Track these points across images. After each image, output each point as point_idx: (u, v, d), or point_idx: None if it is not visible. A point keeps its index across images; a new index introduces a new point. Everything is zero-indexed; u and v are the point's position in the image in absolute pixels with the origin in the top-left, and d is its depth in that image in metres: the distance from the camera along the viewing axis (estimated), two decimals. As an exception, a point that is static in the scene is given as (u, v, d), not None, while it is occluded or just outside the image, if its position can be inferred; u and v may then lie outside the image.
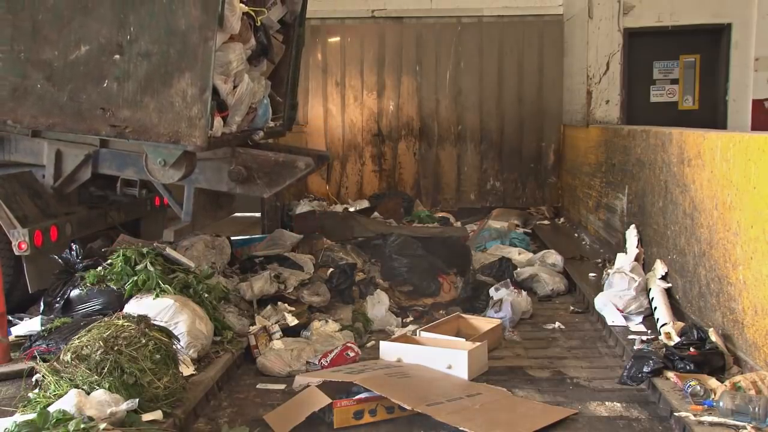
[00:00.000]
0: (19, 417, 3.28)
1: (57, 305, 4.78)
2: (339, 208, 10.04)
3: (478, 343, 4.66)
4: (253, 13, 5.47)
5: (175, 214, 6.42)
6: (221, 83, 5.12)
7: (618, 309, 5.31)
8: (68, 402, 3.27)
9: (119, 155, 5.65)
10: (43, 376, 3.62)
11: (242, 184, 5.63)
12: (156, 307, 4.38)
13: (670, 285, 5.26)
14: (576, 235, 8.83)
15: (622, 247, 6.25)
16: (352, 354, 4.76)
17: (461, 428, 3.63)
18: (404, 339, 4.95)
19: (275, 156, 5.71)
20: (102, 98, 4.61)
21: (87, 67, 4.56)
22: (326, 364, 4.66)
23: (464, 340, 4.83)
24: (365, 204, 10.18)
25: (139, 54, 4.57)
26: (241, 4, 5.23)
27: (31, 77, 4.51)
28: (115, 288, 4.67)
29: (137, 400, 3.39)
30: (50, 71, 4.54)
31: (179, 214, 6.18)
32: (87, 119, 4.66)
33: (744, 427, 3.36)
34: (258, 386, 4.50)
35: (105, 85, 4.57)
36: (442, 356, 4.52)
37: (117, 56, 4.55)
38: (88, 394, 3.37)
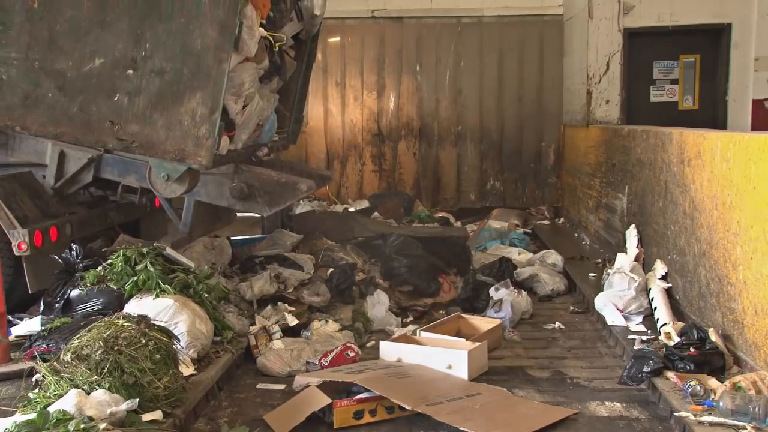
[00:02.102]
0: (19, 417, 3.28)
1: (57, 305, 4.78)
2: (339, 208, 10.04)
3: (478, 343, 4.66)
4: (271, 39, 5.45)
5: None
6: (232, 103, 5.12)
7: (618, 309, 5.31)
8: (68, 402, 3.27)
9: (122, 162, 5.66)
10: (43, 376, 3.63)
11: (243, 201, 5.65)
12: (156, 307, 4.39)
13: (670, 285, 5.26)
14: (576, 235, 8.83)
15: (622, 247, 6.25)
16: (352, 354, 4.76)
17: (461, 428, 3.63)
18: (404, 339, 4.95)
19: (278, 176, 5.72)
20: (112, 111, 4.62)
21: (99, 80, 4.57)
22: (326, 364, 4.66)
23: (464, 340, 4.82)
24: (365, 204, 10.17)
25: (152, 71, 4.58)
26: (261, 29, 5.22)
27: (44, 86, 4.52)
28: (115, 288, 4.67)
29: (137, 400, 3.39)
30: (63, 81, 4.54)
31: (177, 225, 6.21)
32: (95, 131, 4.67)
33: (744, 427, 3.36)
34: (258, 386, 4.50)
35: (116, 98, 4.58)
36: (442, 356, 4.52)
37: (130, 71, 4.56)
38: (88, 394, 3.38)
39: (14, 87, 4.48)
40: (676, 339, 4.39)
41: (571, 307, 6.16)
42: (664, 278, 5.35)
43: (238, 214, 7.85)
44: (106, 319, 3.86)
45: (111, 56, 4.55)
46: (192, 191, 5.45)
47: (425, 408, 3.79)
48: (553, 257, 7.14)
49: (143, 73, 4.58)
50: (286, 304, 5.45)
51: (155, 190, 5.27)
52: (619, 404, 4.08)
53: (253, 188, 5.60)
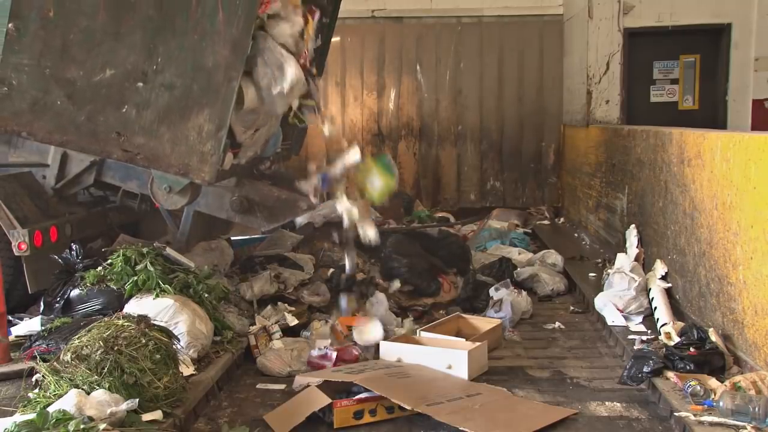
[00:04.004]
0: (19, 417, 3.28)
1: (57, 305, 4.78)
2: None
3: (478, 343, 4.66)
4: None
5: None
6: (241, 132, 5.11)
7: (618, 309, 5.31)
8: (68, 402, 3.27)
9: (124, 167, 5.67)
10: (43, 376, 3.63)
11: (242, 214, 5.66)
12: (156, 307, 4.39)
13: (670, 285, 5.26)
14: (576, 235, 8.83)
15: (622, 247, 6.25)
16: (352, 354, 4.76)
17: (461, 428, 3.63)
18: (404, 339, 4.95)
19: (279, 192, 5.73)
20: (119, 123, 4.63)
21: (109, 91, 4.58)
22: (326, 364, 4.66)
23: (464, 340, 4.82)
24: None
25: (162, 85, 4.59)
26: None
27: (53, 93, 4.52)
28: (115, 288, 4.67)
29: (137, 400, 3.39)
30: (72, 90, 4.54)
31: (174, 233, 6.21)
32: (101, 141, 4.68)
33: (744, 427, 3.36)
34: (258, 386, 4.50)
35: (124, 110, 4.59)
36: (442, 356, 4.52)
37: (140, 84, 4.56)
38: (88, 394, 3.38)
39: (24, 93, 4.48)
40: (676, 339, 4.39)
41: (571, 307, 6.16)
42: (664, 278, 5.35)
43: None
44: (106, 319, 3.86)
45: (122, 68, 4.56)
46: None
47: (425, 408, 3.79)
48: (553, 257, 7.14)
49: (153, 87, 4.59)
50: (286, 304, 5.46)
51: (156, 200, 5.30)
52: (619, 404, 4.08)
53: (253, 202, 5.62)
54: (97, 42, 4.50)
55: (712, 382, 3.84)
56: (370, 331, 4.96)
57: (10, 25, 4.27)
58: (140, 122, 4.62)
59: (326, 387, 4.05)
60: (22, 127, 4.60)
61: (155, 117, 4.62)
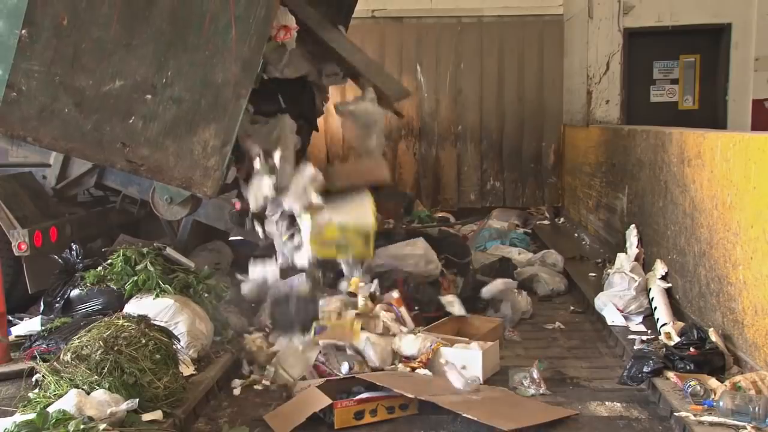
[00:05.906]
0: (19, 417, 3.28)
1: (57, 305, 4.79)
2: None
3: (490, 343, 4.65)
4: None
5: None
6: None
7: (618, 309, 5.31)
8: (68, 402, 3.27)
9: None
10: (43, 376, 3.63)
11: (240, 227, 5.66)
12: (156, 307, 4.39)
13: (670, 285, 5.26)
14: (576, 235, 8.83)
15: (622, 247, 6.24)
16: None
17: (464, 414, 3.63)
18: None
19: None
20: (125, 133, 4.65)
21: (117, 101, 4.60)
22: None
23: (468, 340, 4.81)
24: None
25: (170, 98, 4.60)
26: None
27: (61, 101, 4.53)
28: (115, 288, 4.68)
29: (137, 400, 3.39)
30: (81, 99, 4.56)
31: (172, 239, 6.22)
32: (106, 150, 4.70)
33: (744, 427, 3.36)
34: (258, 386, 4.50)
35: (131, 121, 4.60)
36: (455, 356, 4.49)
37: (149, 96, 4.57)
38: (88, 394, 3.38)
39: (32, 99, 4.50)
40: (676, 339, 4.39)
41: (571, 307, 6.16)
42: (664, 278, 5.35)
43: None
44: (106, 319, 3.86)
45: (132, 79, 4.57)
46: None
47: (428, 396, 3.80)
48: (553, 257, 7.14)
49: (161, 100, 4.60)
50: (286, 304, 5.45)
51: (156, 210, 5.31)
52: (619, 404, 4.08)
53: (252, 215, 5.62)
54: (109, 52, 4.52)
55: (712, 382, 3.84)
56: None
57: (23, 31, 4.28)
58: (146, 134, 4.63)
59: (327, 387, 4.05)
60: (28, 132, 4.61)
61: (161, 129, 4.64)
